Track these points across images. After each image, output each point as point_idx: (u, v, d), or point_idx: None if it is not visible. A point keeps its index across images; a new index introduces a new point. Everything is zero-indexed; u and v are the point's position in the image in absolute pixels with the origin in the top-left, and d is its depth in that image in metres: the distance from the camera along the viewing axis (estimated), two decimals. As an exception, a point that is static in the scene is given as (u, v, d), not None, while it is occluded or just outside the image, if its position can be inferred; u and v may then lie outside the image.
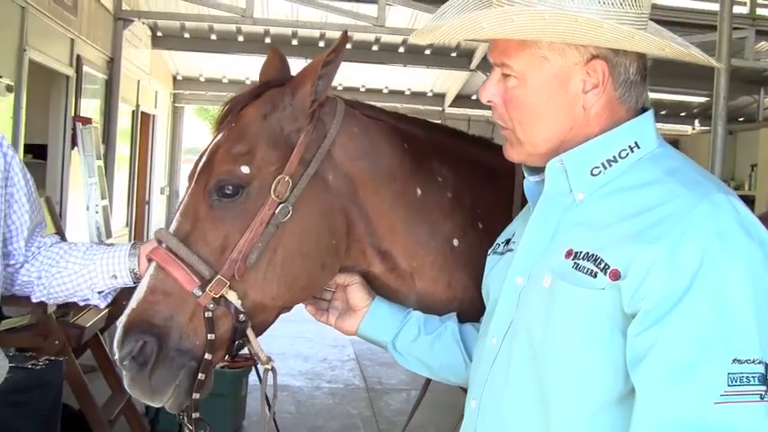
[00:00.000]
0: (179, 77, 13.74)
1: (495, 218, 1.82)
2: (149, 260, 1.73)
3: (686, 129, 14.42)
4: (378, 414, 6.39)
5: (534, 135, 1.47)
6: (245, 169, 1.69)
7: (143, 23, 10.06)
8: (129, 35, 9.13)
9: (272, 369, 1.80)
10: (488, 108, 1.53)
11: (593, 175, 1.42)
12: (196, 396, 1.69)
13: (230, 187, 1.69)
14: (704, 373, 1.21)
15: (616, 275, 1.29)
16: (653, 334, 1.24)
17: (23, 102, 6.15)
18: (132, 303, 1.70)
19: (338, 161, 1.76)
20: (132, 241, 2.01)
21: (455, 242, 1.85)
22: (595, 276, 1.31)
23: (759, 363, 1.22)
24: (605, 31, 1.33)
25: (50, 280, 2.03)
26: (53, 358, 3.86)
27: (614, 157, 1.41)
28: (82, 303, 2.08)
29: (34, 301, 2.09)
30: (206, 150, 1.77)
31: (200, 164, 1.76)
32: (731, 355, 1.21)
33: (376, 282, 1.87)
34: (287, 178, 1.69)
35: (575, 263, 1.35)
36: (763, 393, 1.21)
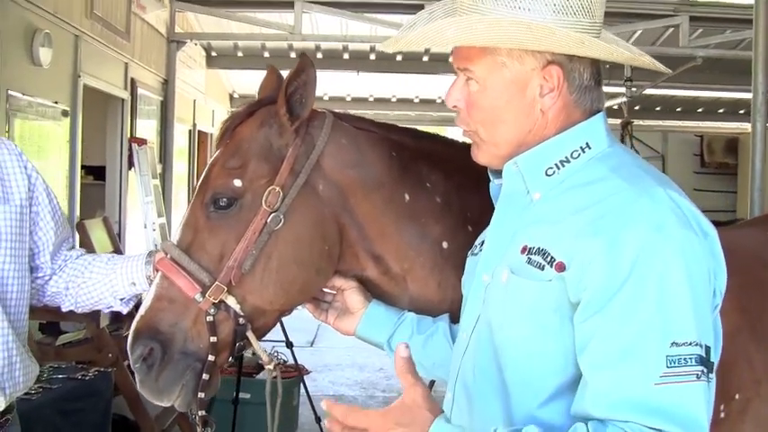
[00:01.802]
0: (235, 95, 14.03)
1: (484, 220, 1.87)
2: (156, 270, 1.87)
3: (746, 126, 14.14)
4: (429, 420, 6.43)
5: (496, 136, 1.55)
6: (237, 182, 1.82)
7: (196, 44, 10.35)
8: (182, 56, 9.41)
9: (275, 370, 1.92)
10: None
11: (547, 175, 1.50)
12: (201, 395, 1.81)
13: (225, 199, 1.82)
14: (644, 356, 1.29)
15: (561, 267, 1.37)
16: (594, 322, 1.32)
17: (79, 126, 6.42)
18: (141, 310, 1.83)
19: (327, 171, 1.86)
20: (149, 250, 2.16)
21: (444, 244, 1.92)
22: (543, 269, 1.40)
23: (696, 345, 1.29)
24: (558, 37, 1.41)
25: (77, 290, 2.18)
26: (102, 369, 4.04)
27: (566, 157, 1.49)
28: (106, 310, 2.23)
29: (64, 310, 2.25)
30: (206, 167, 1.91)
31: (201, 179, 1.89)
32: (669, 339, 1.28)
33: (371, 285, 1.95)
34: (277, 189, 1.80)
35: (528, 258, 1.43)
36: (700, 373, 1.28)
